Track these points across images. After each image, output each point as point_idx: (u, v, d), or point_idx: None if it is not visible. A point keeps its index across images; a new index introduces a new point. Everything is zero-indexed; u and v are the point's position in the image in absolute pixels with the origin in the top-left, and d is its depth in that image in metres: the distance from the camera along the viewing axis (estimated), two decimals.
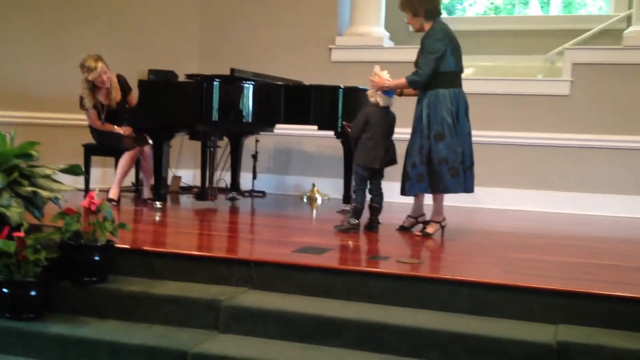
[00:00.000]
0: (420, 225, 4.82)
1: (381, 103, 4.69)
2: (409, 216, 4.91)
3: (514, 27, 7.76)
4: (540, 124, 6.46)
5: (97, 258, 3.62)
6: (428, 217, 4.82)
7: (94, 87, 5.68)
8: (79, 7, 6.80)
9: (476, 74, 7.13)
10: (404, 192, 4.75)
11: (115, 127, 5.74)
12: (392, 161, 4.78)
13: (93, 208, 3.66)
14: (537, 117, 6.46)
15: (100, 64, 5.59)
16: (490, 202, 6.47)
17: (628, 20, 7.03)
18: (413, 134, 4.70)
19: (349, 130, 4.90)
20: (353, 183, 4.82)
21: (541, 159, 6.44)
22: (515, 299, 3.28)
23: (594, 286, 3.32)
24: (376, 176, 4.77)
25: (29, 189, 3.75)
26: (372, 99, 4.73)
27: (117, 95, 5.75)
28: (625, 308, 3.15)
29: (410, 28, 4.79)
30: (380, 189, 4.80)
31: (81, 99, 5.70)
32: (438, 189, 4.62)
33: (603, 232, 5.45)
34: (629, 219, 6.08)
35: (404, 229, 4.86)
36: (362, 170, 4.72)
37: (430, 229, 4.71)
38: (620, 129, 6.27)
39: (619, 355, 2.92)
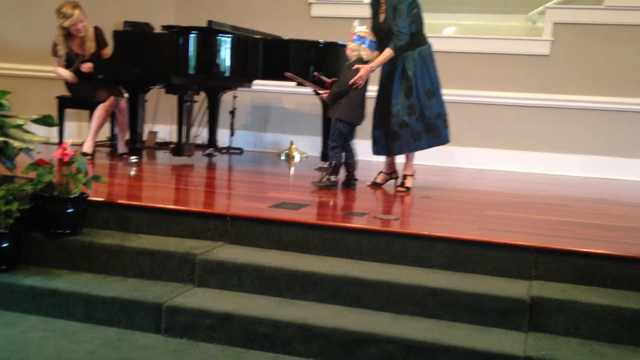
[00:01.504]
0: (393, 181, 4.92)
1: (365, 57, 4.62)
2: (381, 172, 4.95)
3: None
4: (520, 83, 6.44)
5: (70, 210, 3.57)
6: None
7: (68, 34, 5.54)
8: None
9: (457, 32, 7.07)
10: (392, 152, 4.78)
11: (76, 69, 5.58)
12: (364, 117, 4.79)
13: (66, 159, 3.61)
14: (517, 76, 6.44)
15: (77, 11, 5.45)
16: (469, 161, 6.48)
17: None
18: (393, 94, 4.67)
19: (324, 79, 4.84)
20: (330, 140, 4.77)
21: (520, 119, 6.45)
22: (489, 254, 3.31)
23: (567, 243, 3.35)
24: (352, 133, 4.75)
25: (0, 139, 3.66)
26: (354, 53, 4.64)
27: (91, 46, 5.61)
28: (598, 264, 3.19)
29: None
30: (353, 145, 4.81)
31: (54, 45, 5.58)
32: (437, 142, 4.78)
33: (579, 191, 5.49)
34: (604, 179, 6.13)
35: (376, 185, 4.90)
36: (345, 126, 4.67)
37: (409, 183, 4.77)
38: (599, 90, 6.27)
39: (591, 310, 2.96)
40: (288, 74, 5.11)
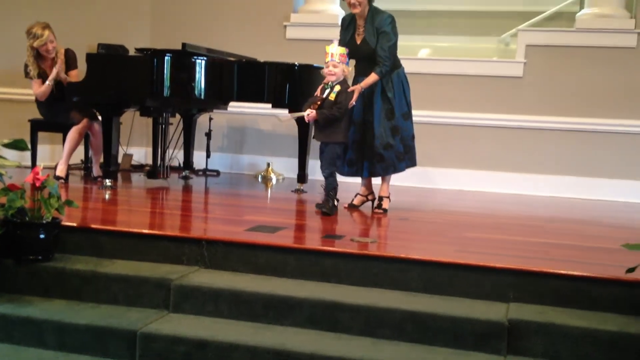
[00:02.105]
0: (369, 203, 4.93)
1: (347, 75, 4.60)
2: (358, 194, 4.94)
3: (468, 8, 7.77)
4: (493, 105, 6.50)
5: (42, 236, 3.51)
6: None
7: (38, 55, 5.49)
8: None
9: (431, 54, 7.13)
10: (376, 173, 4.77)
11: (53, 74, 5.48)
12: None
13: (38, 184, 3.55)
14: (491, 98, 6.51)
15: (47, 32, 5.41)
16: (444, 182, 6.51)
17: (581, 3, 7.10)
18: (375, 116, 4.66)
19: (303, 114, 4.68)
20: (322, 164, 4.64)
21: (494, 141, 6.50)
22: (467, 277, 3.30)
23: (545, 265, 3.35)
24: None
25: None
26: (336, 72, 4.48)
27: (60, 69, 5.54)
28: (575, 286, 3.20)
29: (353, 9, 4.63)
30: None
31: (25, 66, 5.52)
32: (413, 164, 4.83)
33: (553, 212, 5.53)
34: (578, 199, 6.19)
35: (353, 207, 4.89)
36: (341, 148, 4.64)
37: (386, 205, 4.79)
38: (571, 111, 6.36)
39: (569, 333, 2.96)
40: (291, 115, 5.04)
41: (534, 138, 6.42)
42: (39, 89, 5.51)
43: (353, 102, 4.54)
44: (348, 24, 4.78)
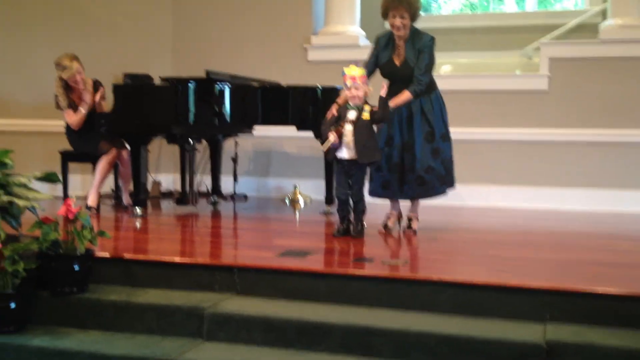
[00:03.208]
0: (399, 224, 4.88)
1: (368, 96, 4.49)
2: (391, 216, 4.89)
3: (490, 23, 7.79)
4: (519, 119, 6.47)
5: (76, 268, 3.56)
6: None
7: (67, 86, 5.59)
8: (48, 13, 6.69)
9: (453, 71, 7.13)
10: (418, 196, 4.73)
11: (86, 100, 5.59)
12: None
13: (70, 216, 3.60)
14: (516, 112, 6.47)
15: (75, 64, 5.51)
16: (472, 199, 6.47)
17: (603, 14, 7.08)
18: (415, 138, 4.62)
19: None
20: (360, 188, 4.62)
21: (521, 155, 6.46)
22: (501, 298, 3.27)
23: (580, 283, 3.32)
24: None
25: (5, 198, 3.68)
26: (359, 95, 4.38)
27: (89, 100, 5.63)
28: (611, 304, 3.15)
29: (398, 32, 4.59)
30: None
31: (56, 97, 5.61)
32: (453, 185, 4.81)
33: (583, 227, 5.47)
34: (609, 213, 6.10)
35: (388, 230, 4.82)
36: (372, 168, 4.65)
37: (415, 225, 4.77)
38: (598, 123, 6.29)
39: (609, 353, 2.91)
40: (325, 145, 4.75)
41: (561, 151, 6.37)
42: (73, 117, 5.60)
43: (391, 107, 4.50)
44: (386, 45, 4.71)
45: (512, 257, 4.06)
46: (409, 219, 4.81)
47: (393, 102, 4.52)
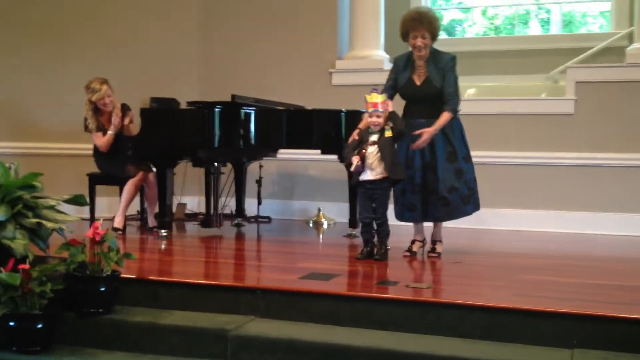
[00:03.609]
0: (421, 247, 4.85)
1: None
2: (416, 240, 4.85)
3: (514, 47, 7.79)
4: (544, 143, 6.42)
5: (102, 289, 3.58)
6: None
7: (96, 109, 5.68)
8: (78, 38, 6.80)
9: (478, 94, 7.12)
10: (441, 218, 4.70)
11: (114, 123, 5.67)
12: None
13: (97, 238, 3.63)
14: (542, 136, 6.43)
15: (105, 87, 5.61)
16: (496, 223, 6.41)
17: (630, 37, 7.04)
18: (438, 159, 4.61)
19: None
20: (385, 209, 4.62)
21: (547, 179, 6.40)
22: (527, 323, 3.23)
23: (608, 308, 3.26)
24: None
25: (34, 220, 3.72)
26: (380, 122, 4.44)
27: (117, 123, 5.71)
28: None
29: (419, 52, 4.62)
30: None
31: (85, 120, 5.70)
32: (478, 207, 4.76)
33: (611, 251, 5.39)
34: (634, 237, 6.01)
35: (413, 254, 4.78)
36: (397, 188, 4.65)
37: (440, 248, 4.74)
38: (625, 147, 6.22)
39: None
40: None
41: (587, 175, 6.30)
42: (101, 139, 5.68)
43: (423, 144, 4.51)
44: (405, 66, 4.72)
45: (538, 281, 4.01)
46: (433, 242, 4.78)
47: (435, 126, 4.50)
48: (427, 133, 4.49)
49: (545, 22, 8.59)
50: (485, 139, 6.41)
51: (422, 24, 4.55)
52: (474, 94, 7.07)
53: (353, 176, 4.60)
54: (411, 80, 4.68)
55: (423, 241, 4.87)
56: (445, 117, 4.53)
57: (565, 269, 4.47)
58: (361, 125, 4.63)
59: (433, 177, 4.62)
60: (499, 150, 6.46)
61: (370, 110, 4.47)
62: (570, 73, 6.50)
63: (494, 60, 7.57)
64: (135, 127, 5.75)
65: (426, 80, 4.64)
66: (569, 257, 5.05)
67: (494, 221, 6.41)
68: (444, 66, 4.60)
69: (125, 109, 5.79)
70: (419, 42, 4.57)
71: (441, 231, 4.81)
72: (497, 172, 6.43)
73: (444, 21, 8.59)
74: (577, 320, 3.17)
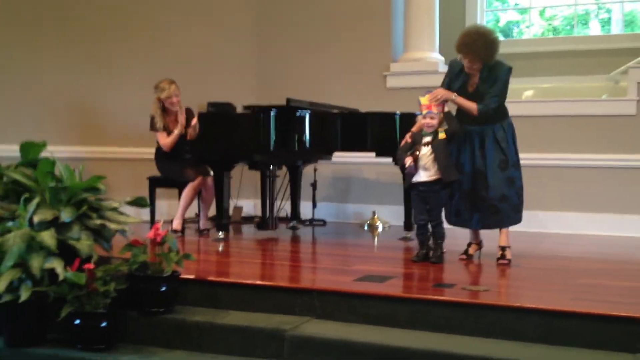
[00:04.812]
0: (477, 250, 4.83)
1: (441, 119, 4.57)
2: (472, 243, 4.82)
3: (574, 47, 7.62)
4: (605, 144, 6.28)
5: (163, 289, 3.68)
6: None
7: (164, 108, 5.81)
8: (138, 49, 6.99)
9: (536, 96, 7.01)
10: (490, 226, 4.67)
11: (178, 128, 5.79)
12: None
13: (158, 239, 3.74)
14: (602, 138, 6.29)
15: (173, 86, 5.75)
16: (555, 226, 6.30)
17: None
18: (488, 166, 4.58)
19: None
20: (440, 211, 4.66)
21: (608, 181, 6.25)
22: (588, 326, 3.17)
23: None
24: None
25: (98, 221, 3.85)
26: (434, 123, 4.47)
27: (183, 123, 5.84)
28: None
29: (469, 70, 4.60)
30: None
31: (152, 118, 5.83)
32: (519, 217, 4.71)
33: None
34: None
35: (469, 257, 4.76)
36: (446, 193, 4.64)
37: (509, 255, 4.65)
38: None
39: None
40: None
41: None
42: (166, 139, 5.82)
43: (436, 96, 4.50)
44: (459, 71, 4.69)
45: (600, 284, 3.93)
46: (502, 249, 4.67)
47: (458, 99, 4.54)
48: (444, 90, 4.53)
49: (606, 22, 8.38)
50: (544, 141, 6.32)
51: (468, 54, 4.54)
52: (531, 95, 6.95)
53: (406, 178, 4.61)
54: (463, 87, 4.67)
55: (479, 244, 4.82)
56: (471, 104, 4.53)
57: (623, 273, 4.36)
58: (414, 128, 4.64)
59: (482, 184, 4.58)
60: (558, 152, 6.34)
61: (424, 112, 4.50)
62: (632, 73, 6.33)
63: (553, 61, 7.43)
64: (195, 133, 5.87)
65: (477, 89, 4.61)
66: (629, 261, 4.92)
67: (553, 224, 6.30)
68: (497, 76, 4.57)
69: (189, 113, 5.91)
70: (467, 64, 4.58)
71: (508, 237, 4.72)
72: (557, 175, 6.32)
73: (501, 23, 8.49)
74: (638, 324, 3.10)
